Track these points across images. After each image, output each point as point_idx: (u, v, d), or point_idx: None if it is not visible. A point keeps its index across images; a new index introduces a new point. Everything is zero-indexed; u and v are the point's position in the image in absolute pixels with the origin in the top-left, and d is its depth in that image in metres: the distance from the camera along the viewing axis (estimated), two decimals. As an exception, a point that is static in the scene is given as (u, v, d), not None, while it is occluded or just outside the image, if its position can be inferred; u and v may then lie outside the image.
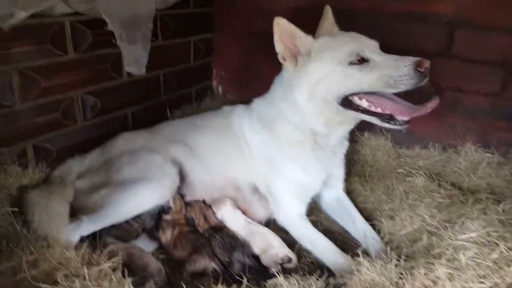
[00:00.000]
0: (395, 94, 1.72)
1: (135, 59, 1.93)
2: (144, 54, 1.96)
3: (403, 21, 2.39)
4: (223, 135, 2.10)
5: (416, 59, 1.59)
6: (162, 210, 1.85)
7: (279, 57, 1.82)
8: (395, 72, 1.61)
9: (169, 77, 2.81)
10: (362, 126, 2.63)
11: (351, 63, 1.69)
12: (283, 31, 1.75)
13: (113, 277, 1.32)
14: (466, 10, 2.21)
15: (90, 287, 1.21)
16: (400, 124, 1.71)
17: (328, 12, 2.01)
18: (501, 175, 2.13)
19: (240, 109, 2.16)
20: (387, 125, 1.73)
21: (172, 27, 2.69)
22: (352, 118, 1.86)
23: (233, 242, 1.77)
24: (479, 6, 2.18)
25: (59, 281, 1.22)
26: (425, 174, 2.18)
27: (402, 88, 1.62)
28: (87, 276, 1.26)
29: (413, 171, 2.21)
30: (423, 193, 2.03)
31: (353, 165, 2.47)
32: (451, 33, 2.29)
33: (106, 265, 1.35)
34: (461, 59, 2.30)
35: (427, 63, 1.58)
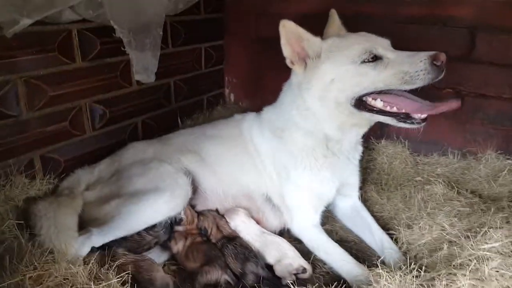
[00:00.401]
0: (410, 92, 1.66)
1: (144, 67, 1.90)
2: (153, 61, 1.93)
3: (420, 25, 2.33)
4: (234, 145, 2.07)
5: (432, 52, 1.55)
6: (174, 221, 1.81)
7: (287, 62, 1.78)
8: (411, 67, 1.56)
9: (180, 85, 2.79)
10: (379, 134, 2.59)
11: (364, 62, 1.63)
12: (290, 34, 1.70)
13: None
14: (486, 13, 2.16)
15: (97, 302, 1.16)
16: (417, 123, 1.65)
17: (334, 15, 1.98)
18: (523, 183, 2.05)
19: (250, 117, 2.13)
20: (403, 125, 1.67)
21: (183, 34, 2.68)
22: (366, 120, 1.80)
23: (247, 252, 1.72)
24: (500, 8, 2.13)
25: (65, 298, 1.18)
26: (444, 182, 2.11)
27: (419, 83, 1.56)
28: (94, 292, 1.21)
29: (431, 179, 2.15)
30: (442, 201, 1.96)
31: (369, 173, 2.42)
32: (472, 37, 2.24)
33: (114, 281, 1.29)
34: (483, 63, 2.24)
35: (443, 56, 1.53)
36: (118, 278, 1.33)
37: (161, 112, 2.67)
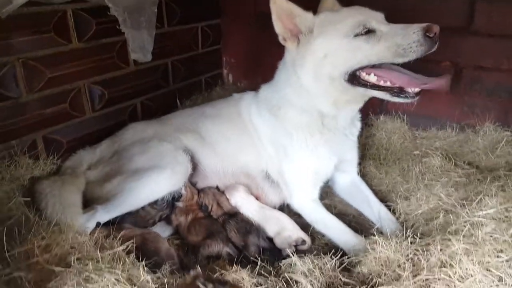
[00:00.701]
0: (403, 66, 1.65)
1: (140, 46, 1.90)
2: (149, 40, 1.93)
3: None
4: (233, 123, 2.09)
5: (425, 24, 1.53)
6: (174, 198, 1.85)
7: (280, 38, 1.77)
8: (404, 40, 1.55)
9: (177, 66, 2.79)
10: (378, 110, 2.60)
11: (357, 35, 1.62)
12: (281, 10, 1.70)
13: (127, 260, 1.32)
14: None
15: (103, 269, 1.21)
16: (411, 97, 1.65)
17: None
18: (520, 153, 2.07)
19: (248, 96, 2.14)
20: (397, 99, 1.67)
21: (179, 13, 2.66)
22: (360, 96, 1.80)
23: (248, 226, 1.77)
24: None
25: (72, 263, 1.22)
26: (442, 154, 2.13)
27: (412, 56, 1.56)
28: (100, 259, 1.25)
29: (429, 152, 2.16)
30: (440, 173, 1.99)
31: (368, 149, 2.43)
32: (471, 8, 2.21)
33: (120, 249, 1.35)
34: (481, 35, 2.22)
35: (436, 28, 1.52)
36: (126, 246, 1.37)
37: (159, 93, 2.68)
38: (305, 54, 1.73)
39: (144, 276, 1.27)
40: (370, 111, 2.61)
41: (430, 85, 1.64)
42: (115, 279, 1.20)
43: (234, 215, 1.84)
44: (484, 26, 2.19)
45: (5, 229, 1.33)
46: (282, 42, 1.78)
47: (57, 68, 1.98)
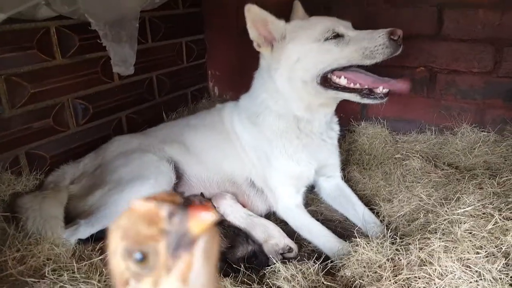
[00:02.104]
0: (377, 71, 1.75)
1: (122, 59, 1.93)
2: (131, 53, 1.96)
3: (394, 7, 2.39)
4: (216, 132, 2.11)
5: (389, 29, 1.65)
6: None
7: (255, 45, 1.83)
8: (370, 43, 1.65)
9: (163, 80, 2.82)
10: (359, 116, 2.65)
11: (327, 39, 1.71)
12: (255, 17, 1.76)
13: (104, 271, 1.30)
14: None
15: (79, 279, 1.20)
16: (380, 97, 1.73)
17: (297, 5, 2.06)
18: (497, 152, 2.12)
19: (230, 105, 2.18)
20: (366, 100, 1.76)
21: (162, 29, 2.71)
22: (332, 99, 1.87)
23: (236, 230, 1.77)
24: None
25: (46, 274, 1.21)
26: (422, 157, 2.16)
27: (379, 57, 1.66)
28: (76, 270, 1.25)
29: (410, 155, 2.20)
30: (420, 174, 2.02)
31: (351, 154, 2.46)
32: (440, 15, 2.29)
33: (97, 259, 1.33)
34: (452, 40, 2.30)
35: (399, 31, 1.63)
36: (100, 257, 1.36)
37: (145, 107, 2.71)
38: (279, 59, 1.79)
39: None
40: (351, 117, 2.66)
41: (393, 85, 1.73)
42: (91, 288, 1.20)
43: (220, 222, 1.85)
44: (454, 32, 2.27)
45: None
46: (256, 48, 1.84)
47: (40, 83, 2.00)
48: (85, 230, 1.65)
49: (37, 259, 1.31)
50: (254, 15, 1.75)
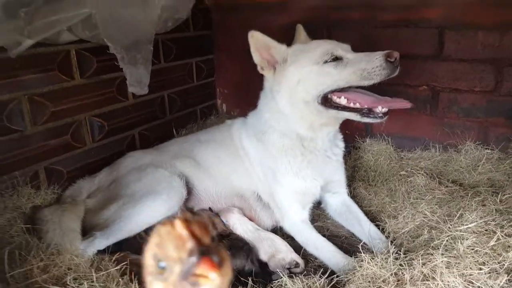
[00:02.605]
0: (377, 91, 1.80)
1: (137, 80, 2.02)
2: (146, 74, 2.05)
3: (395, 28, 2.47)
4: (225, 147, 2.18)
5: (386, 51, 1.71)
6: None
7: (258, 68, 1.93)
8: (368, 64, 1.72)
9: (174, 98, 2.93)
10: (364, 134, 2.71)
11: (326, 62, 1.79)
12: (258, 42, 1.86)
13: (120, 280, 1.38)
14: (454, 12, 2.29)
15: (97, 287, 1.27)
16: (379, 117, 1.79)
17: (300, 29, 2.15)
18: (501, 169, 2.16)
19: (239, 122, 2.25)
20: (366, 119, 1.81)
21: (174, 50, 2.83)
22: (334, 118, 1.93)
23: (241, 244, 1.82)
24: (465, 8, 2.26)
25: (68, 283, 1.29)
26: (426, 173, 2.21)
27: (376, 79, 1.72)
28: (95, 279, 1.32)
29: (415, 172, 2.24)
30: (424, 191, 2.06)
31: (357, 171, 2.51)
32: (441, 36, 2.36)
33: (113, 269, 1.40)
34: (453, 60, 2.36)
35: (396, 54, 1.69)
36: (120, 267, 1.44)
37: (156, 124, 2.80)
38: (281, 81, 1.87)
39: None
40: (357, 134, 2.72)
41: (392, 104, 1.80)
42: (108, 296, 1.27)
43: (227, 235, 1.90)
44: (454, 52, 2.34)
45: (6, 252, 1.40)
46: (260, 71, 1.94)
47: (60, 102, 2.11)
48: (100, 242, 1.72)
49: (59, 269, 1.38)
50: (257, 40, 1.85)
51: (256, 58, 1.89)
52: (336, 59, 1.79)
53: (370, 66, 1.71)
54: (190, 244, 0.59)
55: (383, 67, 1.70)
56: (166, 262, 0.60)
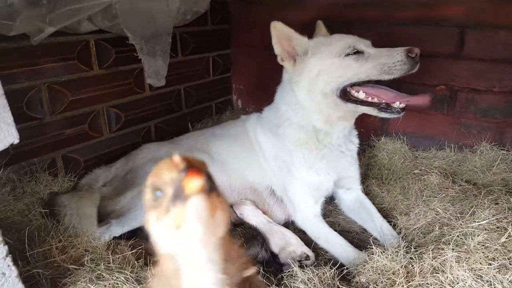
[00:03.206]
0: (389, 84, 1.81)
1: (155, 71, 2.06)
2: (164, 66, 2.09)
3: (414, 26, 2.46)
4: (240, 142, 2.21)
5: (407, 47, 1.73)
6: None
7: (278, 59, 1.94)
8: (389, 59, 1.74)
9: (190, 92, 2.96)
10: (379, 131, 2.70)
11: (347, 55, 1.81)
12: (280, 33, 1.88)
13: (136, 263, 1.42)
14: (475, 11, 2.27)
15: (114, 269, 1.31)
16: (397, 112, 1.80)
17: (320, 25, 2.17)
18: (516, 170, 2.13)
19: (254, 117, 2.28)
20: (384, 114, 1.83)
21: (191, 44, 2.86)
22: (351, 112, 1.94)
23: (255, 233, 1.84)
24: (486, 7, 2.24)
25: (85, 263, 1.33)
26: (440, 173, 2.20)
27: (397, 73, 1.74)
28: (111, 261, 1.36)
29: (428, 171, 2.23)
30: (437, 189, 2.05)
31: (370, 169, 2.51)
32: (462, 35, 2.35)
33: (129, 253, 1.44)
34: (473, 59, 2.34)
35: (417, 50, 1.71)
36: (136, 250, 1.48)
37: (172, 117, 2.84)
38: (301, 72, 1.89)
39: (152, 277, 1.36)
40: (372, 132, 2.72)
41: (412, 100, 1.80)
42: (125, 278, 1.30)
43: (239, 224, 1.92)
44: (474, 52, 2.32)
45: (26, 232, 1.45)
46: (280, 62, 1.95)
47: (79, 92, 2.16)
48: (116, 230, 1.77)
49: (77, 250, 1.42)
50: (279, 31, 1.87)
51: (277, 49, 1.91)
52: (357, 52, 1.81)
53: (391, 60, 1.73)
54: (181, 164, 0.59)
55: (403, 62, 1.72)
56: (161, 189, 0.60)
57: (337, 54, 1.82)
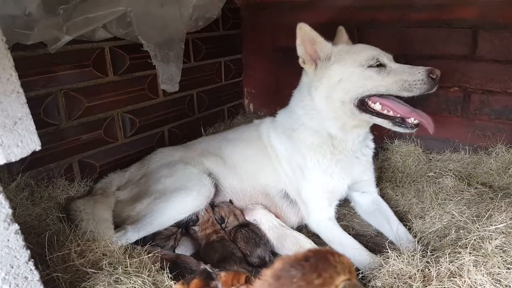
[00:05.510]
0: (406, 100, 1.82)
1: (169, 77, 2.09)
2: (177, 72, 2.12)
3: (428, 28, 2.45)
4: (253, 146, 2.22)
5: (429, 67, 1.74)
6: (191, 220, 1.96)
7: (300, 61, 1.94)
8: (410, 77, 1.75)
9: (202, 96, 2.99)
10: (392, 134, 2.69)
11: (370, 66, 1.81)
12: (305, 35, 1.87)
13: (153, 267, 1.44)
14: (488, 12, 2.26)
15: (131, 273, 1.33)
16: (410, 127, 1.82)
17: (342, 31, 2.15)
18: (532, 172, 2.10)
19: (267, 121, 2.28)
20: (398, 128, 1.84)
21: (204, 49, 2.89)
22: (365, 122, 1.94)
23: (258, 238, 1.85)
24: (499, 7, 2.22)
25: (104, 267, 1.35)
26: (455, 175, 2.18)
27: (416, 92, 1.75)
28: (128, 265, 1.38)
29: (443, 173, 2.22)
30: (453, 192, 2.04)
31: (384, 172, 2.50)
32: (475, 36, 2.33)
33: (146, 257, 1.47)
34: (486, 60, 2.32)
35: (438, 72, 1.73)
36: (153, 254, 1.50)
37: (185, 122, 2.87)
38: (321, 77, 1.89)
39: (168, 281, 1.38)
40: (385, 135, 2.70)
41: (424, 119, 1.81)
42: (142, 281, 1.32)
43: (246, 225, 1.94)
44: (488, 53, 2.30)
45: (47, 236, 1.48)
46: (301, 64, 1.95)
47: (94, 98, 2.20)
48: (132, 236, 1.78)
49: (95, 254, 1.45)
50: (304, 33, 1.87)
51: (300, 50, 1.91)
52: (380, 65, 1.82)
53: (412, 78, 1.75)
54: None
55: (424, 82, 1.73)
56: None
57: (360, 64, 1.82)
